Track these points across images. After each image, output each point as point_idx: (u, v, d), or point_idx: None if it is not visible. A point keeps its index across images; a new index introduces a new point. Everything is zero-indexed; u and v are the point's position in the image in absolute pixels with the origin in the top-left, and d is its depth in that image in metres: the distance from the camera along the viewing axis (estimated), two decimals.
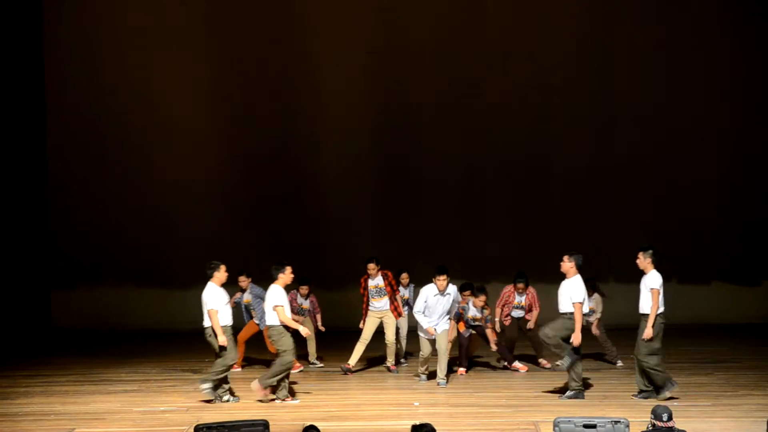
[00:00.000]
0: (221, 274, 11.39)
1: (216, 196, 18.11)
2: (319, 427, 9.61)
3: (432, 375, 12.48)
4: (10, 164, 17.68)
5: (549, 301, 12.43)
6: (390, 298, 12.98)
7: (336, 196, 18.07)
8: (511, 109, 18.05)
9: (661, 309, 11.21)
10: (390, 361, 13.21)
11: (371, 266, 12.95)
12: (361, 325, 13.05)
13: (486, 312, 13.10)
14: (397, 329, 13.22)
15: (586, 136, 18.06)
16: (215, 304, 11.20)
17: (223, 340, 11.11)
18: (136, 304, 17.90)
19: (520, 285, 13.21)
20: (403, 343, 13.58)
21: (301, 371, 13.15)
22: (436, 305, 12.15)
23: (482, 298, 12.99)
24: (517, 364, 13.19)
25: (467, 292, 12.85)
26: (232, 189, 18.14)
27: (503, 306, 13.33)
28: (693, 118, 17.99)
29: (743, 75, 17.97)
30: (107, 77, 18.03)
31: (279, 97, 18.09)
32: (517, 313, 13.29)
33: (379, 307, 12.99)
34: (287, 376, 11.37)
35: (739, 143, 18.05)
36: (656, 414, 7.68)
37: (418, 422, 7.33)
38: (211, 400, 11.32)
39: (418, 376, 12.62)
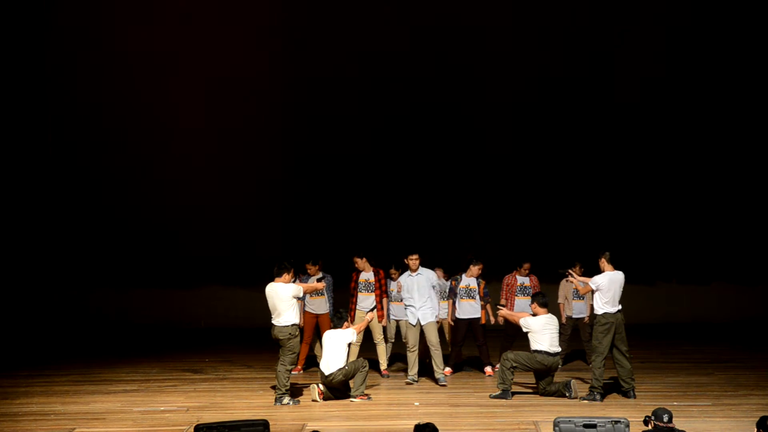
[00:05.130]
0: (289, 275, 11.37)
1: (217, 196, 18.11)
2: (319, 428, 9.64)
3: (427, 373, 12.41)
4: (11, 163, 17.70)
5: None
6: (377, 300, 12.87)
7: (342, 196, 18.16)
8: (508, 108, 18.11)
9: (605, 309, 11.16)
10: (383, 364, 12.98)
11: (359, 260, 12.87)
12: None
13: (482, 284, 12.95)
14: (384, 330, 13.10)
15: (585, 135, 18.06)
16: (299, 289, 11.29)
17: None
18: (137, 303, 17.92)
19: (526, 265, 13.06)
20: (389, 344, 13.31)
21: (300, 373, 13.13)
22: (411, 286, 12.03)
23: (478, 266, 12.83)
24: (488, 369, 13.04)
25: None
26: (233, 189, 18.13)
27: (507, 294, 13.11)
28: (694, 117, 18.00)
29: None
30: (111, 79, 18.03)
31: (279, 96, 18.10)
32: (522, 302, 12.92)
33: (365, 307, 12.88)
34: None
35: (739, 142, 18.06)
36: (657, 415, 7.69)
37: (420, 422, 7.32)
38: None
39: (409, 378, 12.30)
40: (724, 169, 18.08)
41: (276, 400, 11.15)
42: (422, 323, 12.15)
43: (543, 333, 11.49)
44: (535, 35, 17.99)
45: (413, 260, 12.12)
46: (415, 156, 18.15)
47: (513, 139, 18.11)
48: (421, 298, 12.11)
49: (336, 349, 11.43)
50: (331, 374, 11.30)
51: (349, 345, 11.75)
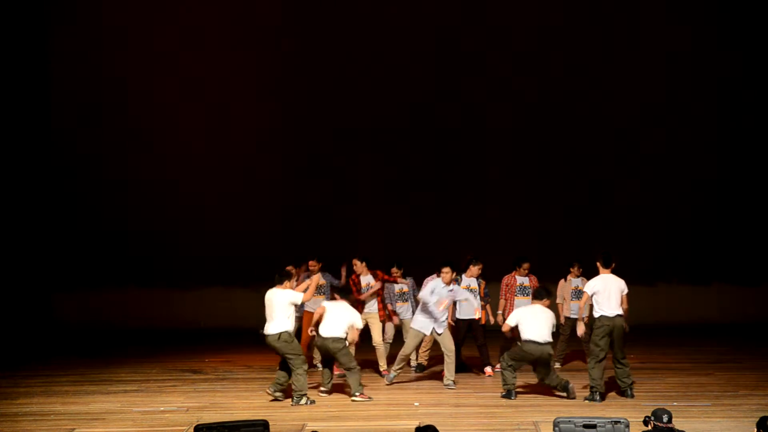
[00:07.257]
0: (290, 282, 11.39)
1: (217, 196, 18.11)
2: (319, 428, 9.65)
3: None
4: (12, 161, 17.71)
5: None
6: (378, 300, 12.82)
7: (344, 196, 18.14)
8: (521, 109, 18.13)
9: (602, 312, 11.16)
10: (382, 365, 12.93)
11: (358, 263, 12.85)
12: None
13: (482, 285, 12.93)
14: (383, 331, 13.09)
15: (586, 137, 18.07)
16: (298, 296, 11.31)
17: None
18: (137, 303, 17.92)
19: (526, 265, 13.02)
20: (388, 345, 13.25)
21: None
22: (443, 298, 11.98)
23: (478, 266, 12.79)
24: (488, 369, 12.99)
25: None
26: (233, 189, 18.13)
27: (506, 294, 13.06)
28: (693, 119, 18.02)
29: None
30: (111, 77, 18.04)
31: (280, 96, 18.11)
32: (522, 302, 12.74)
33: (370, 310, 12.86)
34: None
35: (738, 144, 18.07)
36: (656, 416, 7.68)
37: (421, 424, 7.30)
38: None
39: (388, 372, 12.38)
40: (724, 170, 18.08)
41: (293, 399, 11.11)
42: (438, 332, 12.07)
43: (529, 321, 11.38)
44: (535, 37, 18.01)
45: (446, 273, 12.02)
46: (415, 156, 18.14)
47: (513, 138, 18.12)
48: (445, 311, 12.10)
49: (338, 317, 11.44)
50: (326, 338, 11.34)
51: (351, 327, 11.67)
